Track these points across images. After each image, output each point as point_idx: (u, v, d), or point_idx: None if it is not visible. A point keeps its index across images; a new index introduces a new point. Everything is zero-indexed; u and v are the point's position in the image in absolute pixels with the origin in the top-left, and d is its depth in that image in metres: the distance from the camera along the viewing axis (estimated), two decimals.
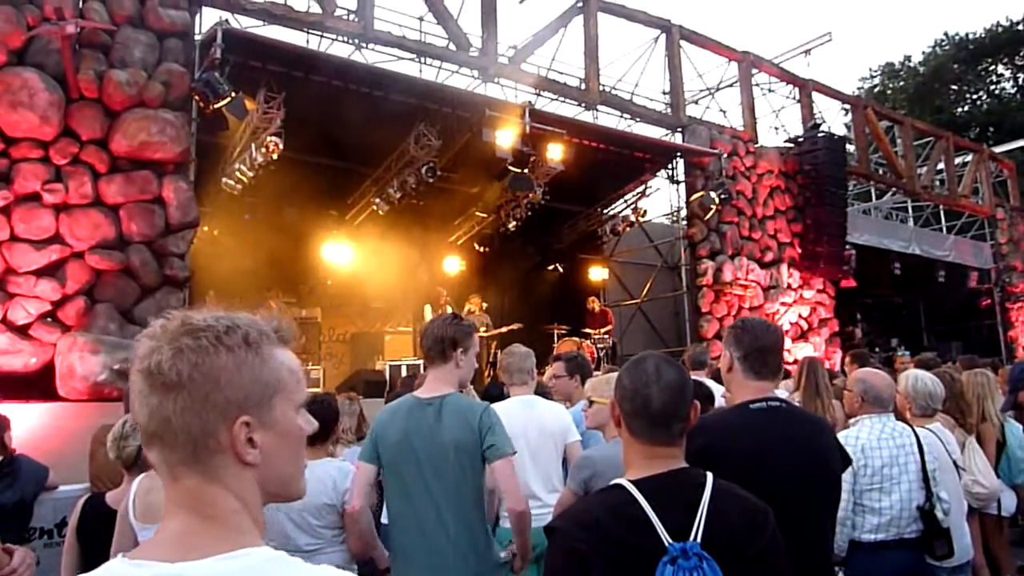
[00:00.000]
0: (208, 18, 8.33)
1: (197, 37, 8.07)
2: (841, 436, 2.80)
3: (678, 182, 12.77)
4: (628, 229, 13.25)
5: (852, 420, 3.29)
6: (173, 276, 7.47)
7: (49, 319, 6.84)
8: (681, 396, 1.63)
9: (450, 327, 2.85)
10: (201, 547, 0.84)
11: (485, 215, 12.54)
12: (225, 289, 10.64)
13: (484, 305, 11.44)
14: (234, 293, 11.19)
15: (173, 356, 0.86)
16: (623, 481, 1.58)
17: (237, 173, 8.90)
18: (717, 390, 4.02)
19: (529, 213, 11.67)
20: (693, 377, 4.73)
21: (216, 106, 7.55)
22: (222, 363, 0.87)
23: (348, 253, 11.74)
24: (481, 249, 13.49)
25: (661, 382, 1.62)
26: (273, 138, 8.36)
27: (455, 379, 2.83)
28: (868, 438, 3.06)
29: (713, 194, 11.74)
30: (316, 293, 12.78)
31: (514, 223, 11.95)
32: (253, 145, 8.55)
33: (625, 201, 13.52)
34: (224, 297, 10.58)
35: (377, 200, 10.88)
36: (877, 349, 15.11)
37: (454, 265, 13.13)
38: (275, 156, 8.52)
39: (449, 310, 10.66)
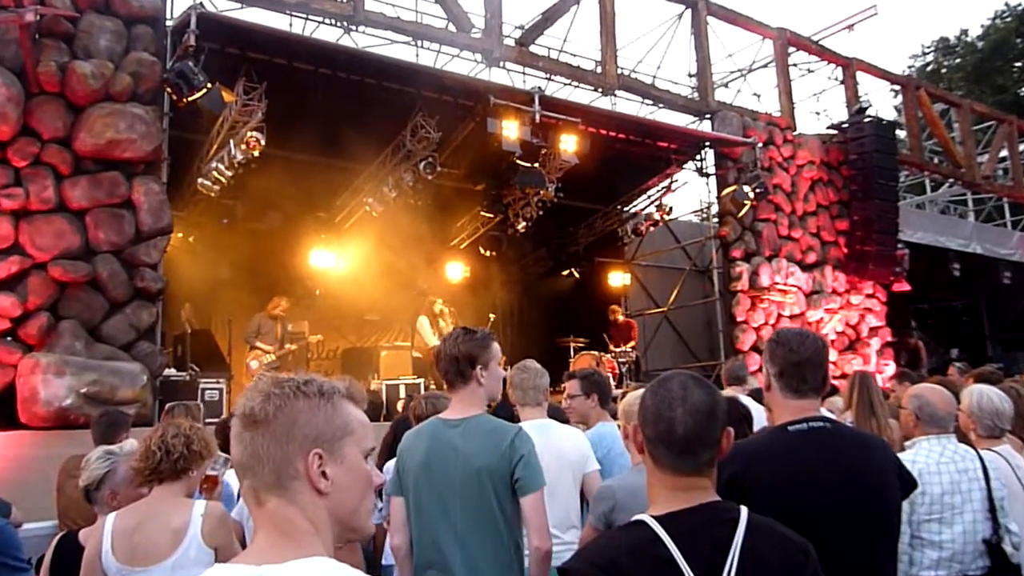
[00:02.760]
0: (180, 2, 8.41)
1: (169, 23, 8.14)
2: None
3: (707, 175, 12.76)
4: (652, 229, 13.26)
5: (908, 442, 3.26)
6: (145, 288, 7.51)
7: (9, 338, 6.89)
8: (710, 420, 1.62)
9: (463, 343, 2.87)
10: (281, 556, 1.13)
11: (491, 215, 12.54)
12: (202, 302, 10.70)
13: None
14: (212, 306, 11.26)
15: (262, 401, 1.19)
16: (645, 517, 1.57)
17: (214, 173, 8.94)
18: (756, 410, 3.98)
19: (540, 212, 11.69)
20: (726, 395, 4.66)
21: (190, 98, 7.60)
22: (300, 406, 1.20)
23: (338, 260, 11.76)
24: (487, 253, 13.50)
25: (687, 404, 1.61)
26: (254, 133, 8.41)
27: (481, 398, 2.88)
28: (926, 462, 3.03)
29: (747, 188, 11.72)
30: (303, 305, 12.79)
31: (524, 224, 11.97)
32: (232, 141, 8.60)
33: (648, 197, 13.54)
34: (201, 311, 10.65)
35: (370, 200, 10.91)
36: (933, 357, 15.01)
37: (457, 271, 13.13)
38: (256, 153, 8.57)
39: (449, 320, 10.68)
